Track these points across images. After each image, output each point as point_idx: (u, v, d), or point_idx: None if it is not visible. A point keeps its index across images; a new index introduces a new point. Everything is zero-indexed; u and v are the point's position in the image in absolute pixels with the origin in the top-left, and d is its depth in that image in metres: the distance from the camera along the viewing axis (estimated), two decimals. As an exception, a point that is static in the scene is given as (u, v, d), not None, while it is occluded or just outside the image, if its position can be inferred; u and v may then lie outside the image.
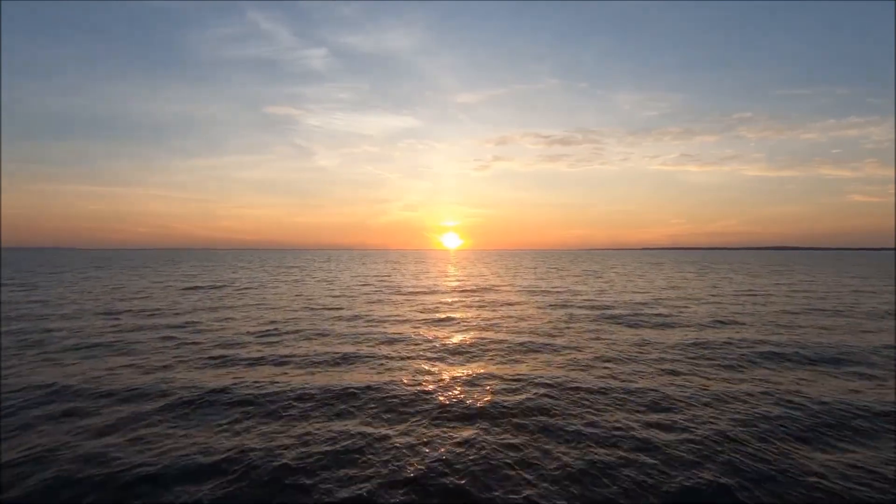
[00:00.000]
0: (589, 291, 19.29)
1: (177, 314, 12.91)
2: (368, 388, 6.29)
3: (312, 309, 13.89)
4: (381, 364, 7.63)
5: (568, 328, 10.78)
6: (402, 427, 5.01)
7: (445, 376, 6.96)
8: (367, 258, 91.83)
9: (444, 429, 4.97)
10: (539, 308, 14.22)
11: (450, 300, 16.57)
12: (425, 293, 18.77)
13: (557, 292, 18.85)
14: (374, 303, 15.39)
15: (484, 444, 4.57)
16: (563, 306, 14.62)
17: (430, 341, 9.44)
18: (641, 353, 8.42)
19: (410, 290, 20.15)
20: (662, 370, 7.28)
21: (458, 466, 4.12)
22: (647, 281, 25.93)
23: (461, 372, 7.20)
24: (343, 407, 5.60)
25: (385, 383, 6.53)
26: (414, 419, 5.24)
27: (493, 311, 13.72)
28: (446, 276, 30.13)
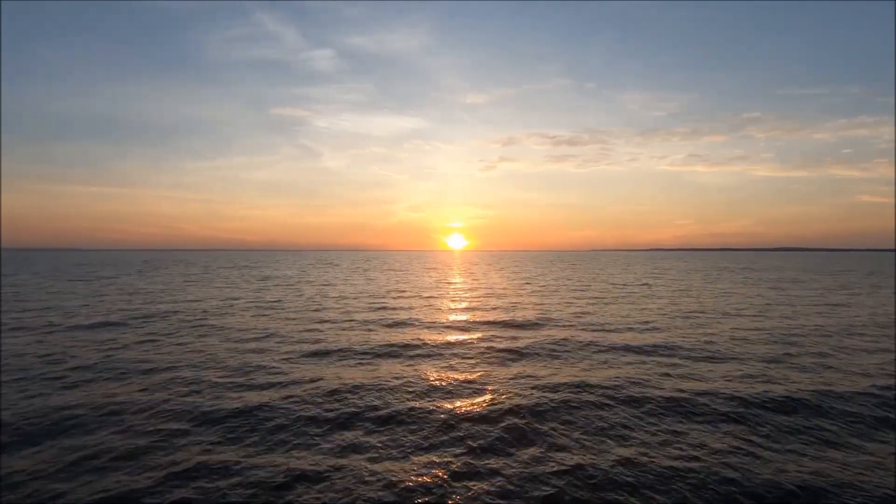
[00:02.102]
0: (716, 347, 12.02)
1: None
2: None
3: (231, 416, 6.76)
4: None
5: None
6: None
7: None
8: (373, 261, 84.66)
9: None
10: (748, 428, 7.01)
11: (509, 374, 9.39)
12: (454, 347, 11.62)
13: (704, 348, 11.60)
14: (362, 390, 8.23)
15: None
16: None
17: None
18: None
19: (428, 339, 12.97)
20: None
21: None
22: (747, 299, 18.52)
23: None
24: None
25: None
26: None
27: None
28: (470, 297, 22.92)
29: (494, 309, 17.70)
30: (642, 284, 29.96)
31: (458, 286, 29.37)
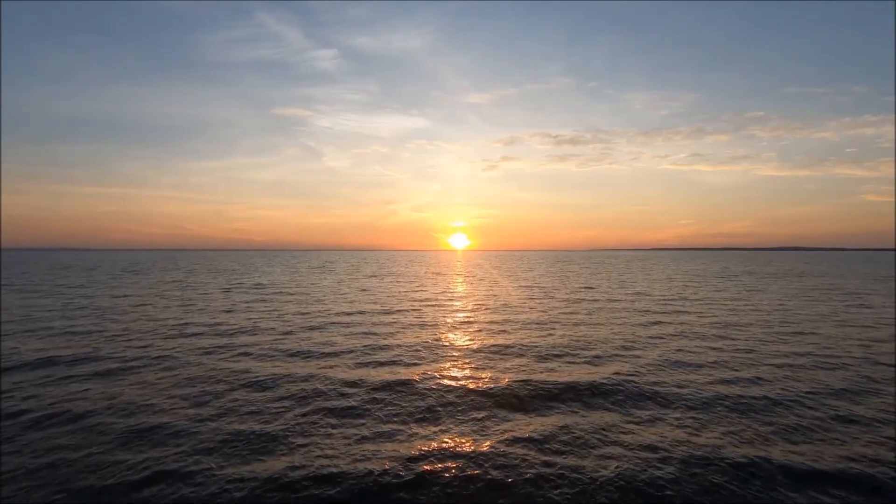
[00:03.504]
0: None
1: None
2: None
3: None
4: None
5: None
6: None
7: None
8: (373, 263, 79.85)
9: None
10: None
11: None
12: (491, 464, 7.00)
13: None
14: None
15: None
16: None
17: None
18: None
19: (443, 438, 8.31)
20: None
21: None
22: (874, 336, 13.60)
23: None
24: None
25: None
26: None
27: None
28: (489, 323, 18.30)
29: (531, 351, 13.00)
30: (697, 299, 25.15)
31: (468, 301, 24.66)
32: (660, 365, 11.07)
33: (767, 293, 28.84)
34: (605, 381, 9.66)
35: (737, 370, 10.60)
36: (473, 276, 48.00)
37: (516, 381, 9.70)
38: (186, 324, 17.31)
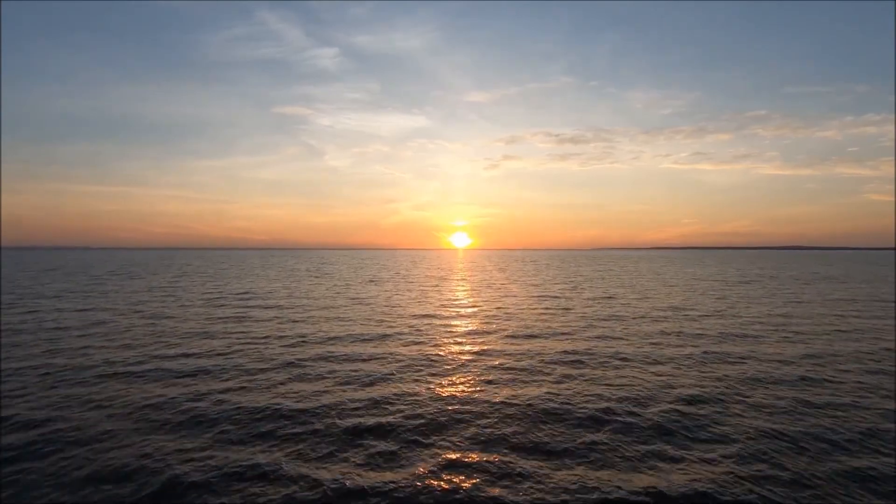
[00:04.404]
0: None
1: None
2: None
3: None
4: None
5: None
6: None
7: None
8: (372, 265, 76.80)
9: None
10: None
11: None
12: None
13: None
14: None
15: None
16: None
17: None
18: None
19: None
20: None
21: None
22: None
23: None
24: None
25: None
26: None
27: None
28: (515, 357, 15.35)
29: (570, 406, 9.97)
30: (737, 315, 22.00)
31: (477, 320, 21.58)
32: (764, 438, 7.96)
33: (810, 305, 25.71)
34: (698, 483, 6.55)
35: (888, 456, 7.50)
36: (478, 282, 44.89)
37: (565, 482, 6.62)
38: (142, 357, 14.30)
